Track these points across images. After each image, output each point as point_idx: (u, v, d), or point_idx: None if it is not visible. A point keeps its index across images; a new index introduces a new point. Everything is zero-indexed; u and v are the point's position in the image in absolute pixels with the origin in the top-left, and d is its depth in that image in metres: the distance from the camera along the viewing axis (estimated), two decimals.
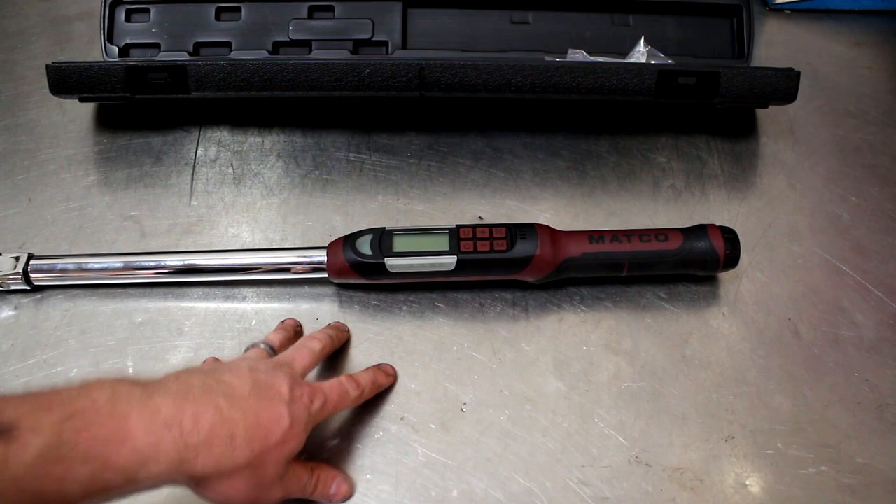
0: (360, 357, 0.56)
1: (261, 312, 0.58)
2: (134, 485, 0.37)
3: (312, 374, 0.53)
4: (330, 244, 0.57)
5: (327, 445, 0.52)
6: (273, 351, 0.51)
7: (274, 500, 0.44)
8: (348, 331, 0.57)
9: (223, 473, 0.40)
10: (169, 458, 0.37)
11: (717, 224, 0.58)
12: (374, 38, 0.69)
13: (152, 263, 0.58)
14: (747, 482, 0.51)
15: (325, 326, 0.56)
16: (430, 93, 0.62)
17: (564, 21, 0.70)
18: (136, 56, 0.69)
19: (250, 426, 0.41)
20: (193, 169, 0.66)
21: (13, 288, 0.58)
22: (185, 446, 0.38)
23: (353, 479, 0.50)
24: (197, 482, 0.40)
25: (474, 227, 0.56)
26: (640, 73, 0.62)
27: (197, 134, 0.68)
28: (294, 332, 0.55)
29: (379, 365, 0.55)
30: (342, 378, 0.50)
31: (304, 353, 0.50)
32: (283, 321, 0.57)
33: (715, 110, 0.68)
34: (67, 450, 0.34)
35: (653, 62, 0.67)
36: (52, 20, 0.76)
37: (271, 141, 0.68)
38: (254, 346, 0.51)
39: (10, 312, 0.58)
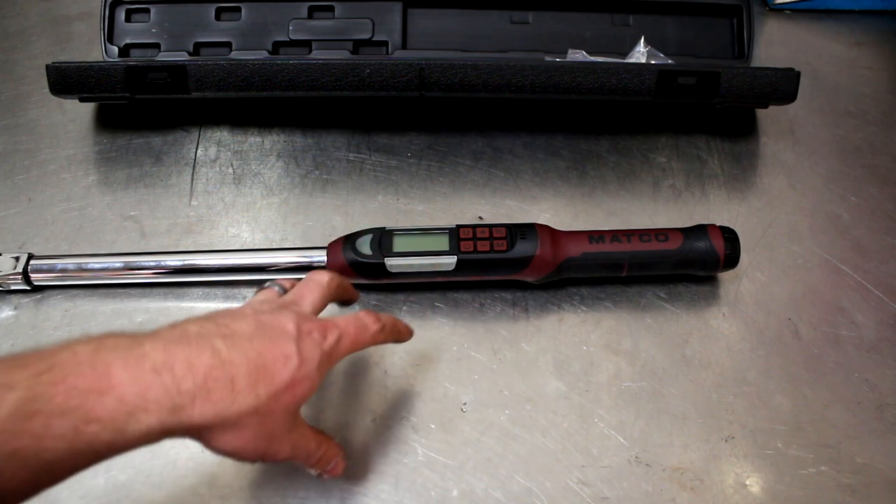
0: (361, 356, 0.56)
1: None
2: (125, 438, 0.34)
3: None
4: (330, 244, 0.57)
5: None
6: (284, 291, 0.48)
7: (282, 456, 0.41)
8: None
9: (227, 421, 0.37)
10: (160, 406, 0.34)
11: (717, 224, 0.58)
12: (374, 38, 0.69)
13: (152, 263, 0.58)
14: (747, 482, 0.51)
15: None
16: (430, 93, 0.62)
17: (564, 21, 0.70)
18: (136, 56, 0.69)
19: (253, 368, 0.38)
20: (193, 169, 0.66)
21: (13, 288, 0.58)
22: (179, 392, 0.35)
23: (346, 461, 0.48)
24: (199, 433, 0.37)
25: (474, 227, 0.56)
26: (640, 73, 0.62)
27: (197, 134, 0.68)
28: None
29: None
30: (359, 312, 0.46)
31: (311, 286, 0.46)
32: None
33: (715, 110, 0.68)
34: (42, 403, 0.32)
35: (653, 62, 0.67)
36: (52, 20, 0.76)
37: (271, 141, 0.68)
38: (263, 287, 0.49)
39: (10, 312, 0.58)
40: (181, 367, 0.36)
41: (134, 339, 0.37)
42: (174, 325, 0.39)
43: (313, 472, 0.46)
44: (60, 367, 0.33)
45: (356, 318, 0.45)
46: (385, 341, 0.48)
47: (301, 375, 0.40)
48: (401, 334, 0.50)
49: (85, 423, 0.33)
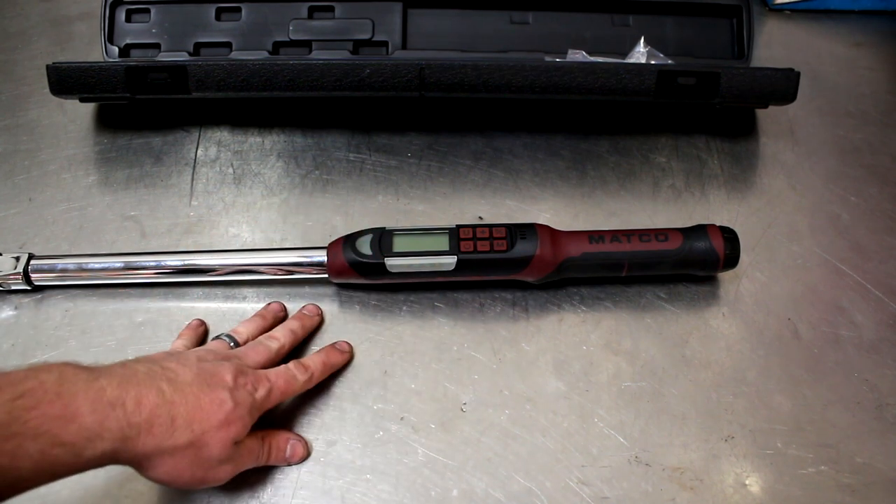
0: (361, 357, 0.56)
1: None
2: (81, 462, 0.38)
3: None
4: (330, 244, 0.57)
5: (326, 445, 0.52)
6: (236, 343, 0.53)
7: (225, 476, 0.47)
8: (320, 314, 0.58)
9: (164, 452, 0.42)
10: (113, 435, 0.39)
11: (717, 224, 0.58)
12: (374, 39, 0.69)
13: (152, 263, 0.58)
14: (747, 482, 0.51)
15: (294, 314, 0.57)
16: (430, 93, 0.62)
17: (564, 21, 0.70)
18: (137, 56, 0.69)
19: (191, 409, 0.43)
20: (193, 169, 0.66)
21: (14, 288, 0.58)
22: (129, 425, 0.40)
23: (307, 440, 0.52)
24: (140, 462, 0.42)
25: (474, 227, 0.56)
26: (640, 74, 0.62)
27: (197, 134, 0.68)
28: (273, 319, 0.57)
29: (334, 343, 0.56)
30: (290, 364, 0.52)
31: (258, 350, 0.52)
32: (266, 305, 0.58)
33: (715, 110, 0.68)
34: (19, 426, 0.36)
35: (653, 62, 0.67)
36: (52, 20, 0.76)
37: (271, 141, 0.68)
38: (217, 337, 0.53)
39: (11, 312, 0.58)
40: (132, 403, 0.41)
41: (91, 372, 0.41)
42: (124, 364, 0.44)
43: (280, 465, 0.51)
44: (31, 394, 0.37)
45: (286, 371, 0.51)
46: (317, 381, 0.53)
47: (233, 417, 0.45)
48: (335, 368, 0.55)
49: (52, 446, 0.37)
